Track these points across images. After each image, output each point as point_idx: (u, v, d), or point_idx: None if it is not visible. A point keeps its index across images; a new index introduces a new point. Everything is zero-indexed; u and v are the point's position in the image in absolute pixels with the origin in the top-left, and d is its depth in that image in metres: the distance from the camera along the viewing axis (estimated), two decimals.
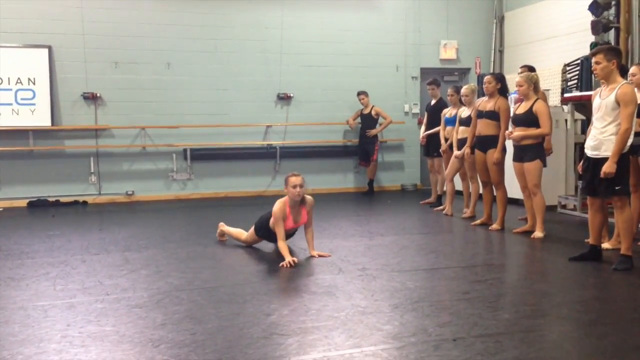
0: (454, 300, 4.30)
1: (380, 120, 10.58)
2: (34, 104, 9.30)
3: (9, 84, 9.19)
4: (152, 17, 9.94)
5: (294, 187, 5.54)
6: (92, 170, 9.77)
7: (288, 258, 5.29)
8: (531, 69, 7.29)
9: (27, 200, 9.38)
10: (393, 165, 11.29)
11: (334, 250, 5.91)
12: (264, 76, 10.52)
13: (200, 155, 10.25)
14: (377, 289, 4.56)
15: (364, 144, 10.58)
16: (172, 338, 3.56)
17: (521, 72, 7.33)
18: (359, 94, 10.50)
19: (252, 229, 6.06)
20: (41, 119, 9.33)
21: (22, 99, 9.26)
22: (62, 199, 9.53)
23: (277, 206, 5.60)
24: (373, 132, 10.47)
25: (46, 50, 9.34)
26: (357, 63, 10.90)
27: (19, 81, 9.23)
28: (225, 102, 10.31)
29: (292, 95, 10.64)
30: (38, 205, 9.32)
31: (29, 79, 9.26)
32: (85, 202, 9.65)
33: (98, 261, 5.57)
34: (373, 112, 10.51)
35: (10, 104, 9.20)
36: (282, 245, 5.52)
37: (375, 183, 10.79)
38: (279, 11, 10.51)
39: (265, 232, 5.87)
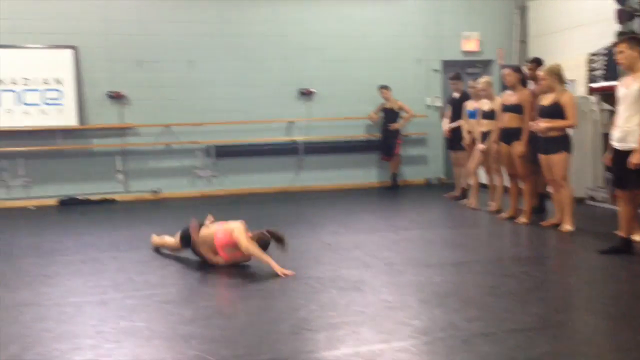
0: (482, 295, 4.28)
1: (402, 113, 10.54)
2: (61, 104, 9.44)
3: (36, 84, 9.34)
4: (174, 15, 10.02)
5: None
6: (119, 169, 9.90)
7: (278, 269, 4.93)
8: (538, 61, 7.23)
9: (58, 199, 9.55)
10: (416, 159, 11.24)
11: (359, 245, 5.92)
12: (285, 72, 10.54)
13: (224, 152, 10.32)
14: (404, 284, 4.56)
15: (386, 138, 10.55)
16: (202, 333, 3.61)
17: (530, 67, 7.29)
18: (380, 87, 10.47)
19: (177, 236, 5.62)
20: (68, 118, 9.47)
21: (49, 99, 9.41)
22: (91, 197, 9.67)
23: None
24: (395, 126, 10.44)
25: (71, 51, 9.47)
26: (377, 56, 10.85)
27: (46, 82, 9.38)
28: (247, 99, 10.36)
29: (313, 90, 10.64)
30: (68, 204, 9.48)
31: (55, 79, 9.41)
32: (113, 200, 9.78)
33: (128, 258, 5.66)
34: (395, 106, 10.48)
35: (38, 104, 9.36)
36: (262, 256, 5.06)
37: (399, 177, 10.76)
38: (299, 6, 10.52)
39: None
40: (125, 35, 9.77)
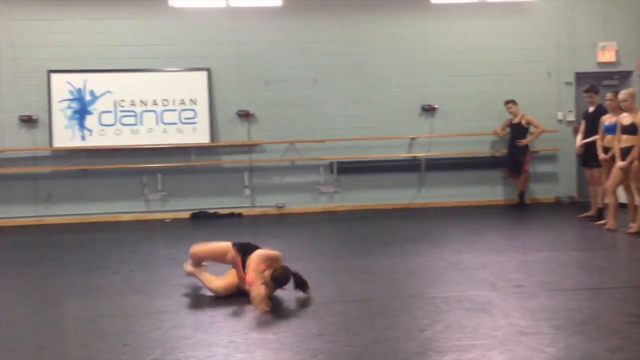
0: (624, 324, 3.97)
1: (531, 129, 10.13)
2: (195, 123, 10.07)
3: (174, 105, 10.03)
4: (300, 36, 10.35)
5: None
6: (246, 184, 10.35)
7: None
8: None
9: (190, 212, 10.14)
10: (546, 176, 10.73)
11: (485, 265, 5.73)
12: (407, 88, 10.51)
13: (346, 168, 10.45)
14: (536, 308, 4.35)
15: (513, 154, 10.17)
16: (329, 349, 3.65)
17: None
18: (506, 102, 10.15)
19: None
20: (201, 136, 10.07)
21: (185, 118, 10.07)
22: (220, 211, 10.17)
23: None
24: (524, 141, 10.03)
25: (206, 73, 10.08)
26: (505, 70, 10.53)
27: (182, 102, 10.05)
28: (369, 116, 10.44)
29: (436, 106, 10.52)
30: (199, 217, 10.04)
31: (190, 100, 10.06)
32: (240, 214, 10.23)
33: None
34: (523, 121, 10.08)
35: (175, 123, 10.05)
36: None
37: (526, 195, 10.32)
38: (422, 22, 10.47)
39: None
40: (255, 57, 10.24)
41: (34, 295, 5.23)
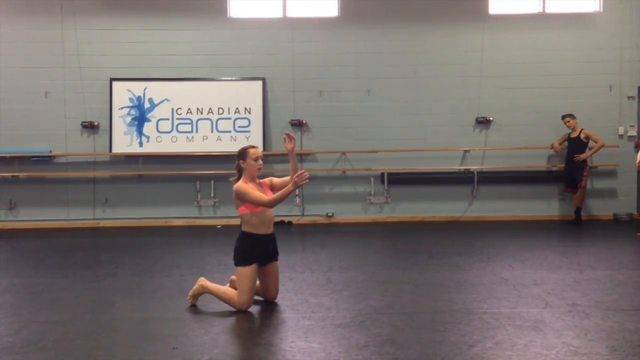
0: None
1: (591, 143, 9.83)
2: (249, 131, 10.22)
3: (229, 113, 10.22)
4: (355, 47, 10.38)
5: (256, 159, 4.96)
6: (297, 193, 10.41)
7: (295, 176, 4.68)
8: None
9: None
10: (604, 192, 10.38)
11: (538, 282, 5.58)
12: (462, 100, 10.39)
13: (397, 180, 10.38)
14: (591, 328, 4.21)
15: (571, 169, 9.89)
16: None
17: None
18: (563, 117, 9.91)
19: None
20: (254, 144, 10.14)
21: (239, 127, 10.24)
22: None
23: (241, 185, 4.95)
24: (582, 156, 9.75)
25: (260, 82, 10.24)
26: (564, 84, 10.28)
27: (237, 111, 10.23)
28: (422, 127, 10.36)
29: (491, 119, 10.35)
30: None
31: (245, 109, 10.22)
32: (290, 222, 10.30)
33: (303, 279, 5.90)
34: (582, 135, 9.80)
35: (230, 132, 10.23)
36: (275, 196, 4.86)
37: (583, 211, 10.01)
38: (480, 34, 10.33)
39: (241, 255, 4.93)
40: (310, 67, 10.33)
41: (88, 296, 5.41)
